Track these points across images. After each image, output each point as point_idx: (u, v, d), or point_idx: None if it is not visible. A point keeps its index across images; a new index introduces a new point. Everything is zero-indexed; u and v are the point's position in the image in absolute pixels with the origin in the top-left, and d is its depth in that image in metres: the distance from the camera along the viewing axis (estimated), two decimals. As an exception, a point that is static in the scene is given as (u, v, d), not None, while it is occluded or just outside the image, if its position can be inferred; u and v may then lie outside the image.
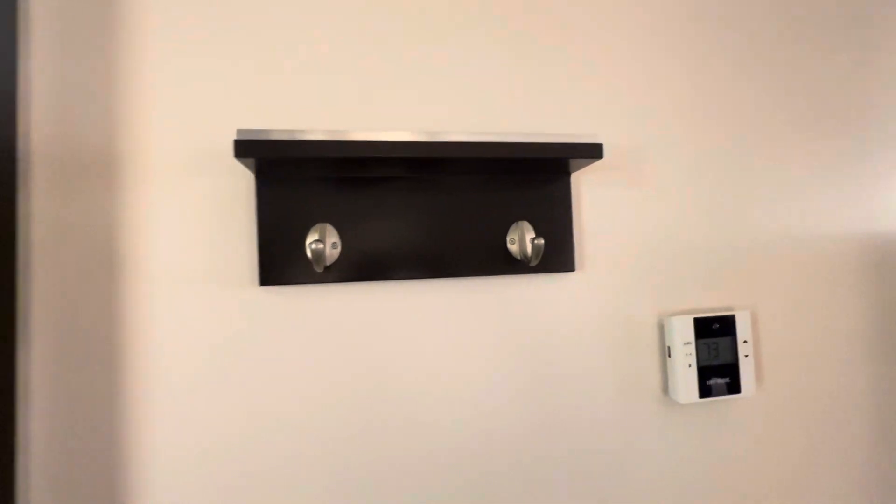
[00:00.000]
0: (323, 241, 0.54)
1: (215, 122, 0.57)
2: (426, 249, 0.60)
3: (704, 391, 0.65)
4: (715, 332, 0.66)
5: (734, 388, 0.66)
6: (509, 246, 0.62)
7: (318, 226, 0.56)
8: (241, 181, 0.57)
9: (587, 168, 0.67)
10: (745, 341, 0.67)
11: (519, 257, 0.62)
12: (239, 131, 0.48)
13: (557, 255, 0.64)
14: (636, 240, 0.68)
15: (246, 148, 0.48)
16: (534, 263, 0.59)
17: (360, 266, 0.58)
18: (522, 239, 0.61)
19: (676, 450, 0.67)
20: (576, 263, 0.65)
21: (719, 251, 0.70)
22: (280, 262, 0.56)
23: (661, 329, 0.67)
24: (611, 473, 0.65)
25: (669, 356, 0.66)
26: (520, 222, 0.62)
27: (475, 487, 0.61)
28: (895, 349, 0.77)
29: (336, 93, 0.60)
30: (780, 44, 0.74)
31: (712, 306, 0.69)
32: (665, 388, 0.67)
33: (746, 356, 0.67)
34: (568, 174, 0.64)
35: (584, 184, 0.67)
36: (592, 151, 0.56)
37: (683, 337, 0.65)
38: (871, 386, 0.75)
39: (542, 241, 0.57)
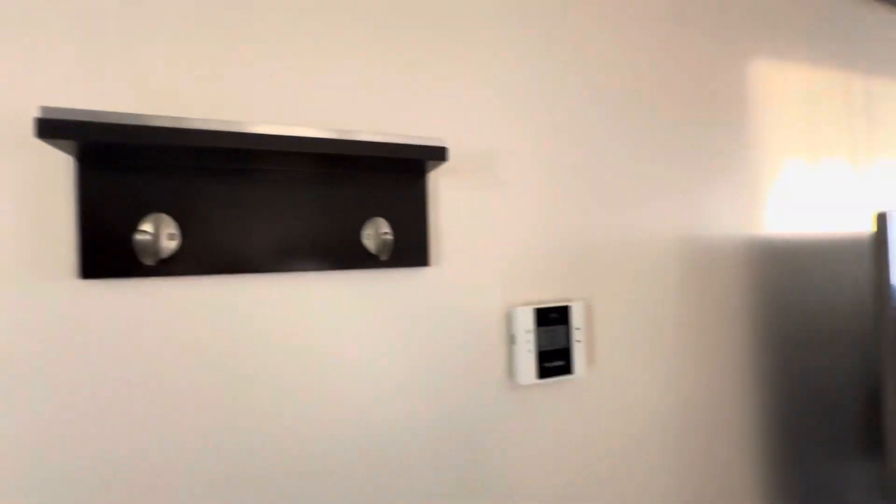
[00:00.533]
0: (154, 232, 0.52)
1: (25, 95, 0.51)
2: (279, 243, 0.60)
3: (542, 373, 0.73)
4: (553, 320, 0.75)
5: (568, 370, 0.75)
6: (365, 241, 0.64)
7: (153, 216, 0.53)
8: (62, 162, 0.52)
9: (446, 170, 0.71)
10: (578, 328, 0.76)
11: (374, 252, 0.64)
12: (43, 108, 0.44)
13: (413, 251, 0.67)
14: (489, 238, 0.74)
15: (51, 128, 0.44)
16: (384, 258, 0.62)
17: (203, 259, 0.56)
18: (377, 234, 0.63)
19: (520, 426, 0.75)
20: (432, 259, 0.69)
21: (562, 249, 0.79)
22: (107, 254, 0.52)
23: (508, 319, 0.74)
24: (465, 450, 0.71)
25: (514, 343, 0.73)
26: (375, 218, 0.64)
27: (331, 478, 0.62)
28: (708, 336, 0.93)
29: (171, 76, 0.57)
30: (631, 64, 0.85)
31: (554, 297, 0.78)
32: (510, 372, 0.74)
33: (579, 342, 0.76)
34: (424, 174, 0.68)
35: (443, 184, 0.71)
36: (437, 154, 0.60)
37: (525, 325, 0.72)
38: (688, 367, 0.90)
39: (390, 237, 0.60)
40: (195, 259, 0.56)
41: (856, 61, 1.17)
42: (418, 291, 0.69)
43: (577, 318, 0.76)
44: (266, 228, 0.59)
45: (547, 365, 0.74)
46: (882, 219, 0.74)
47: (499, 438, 0.73)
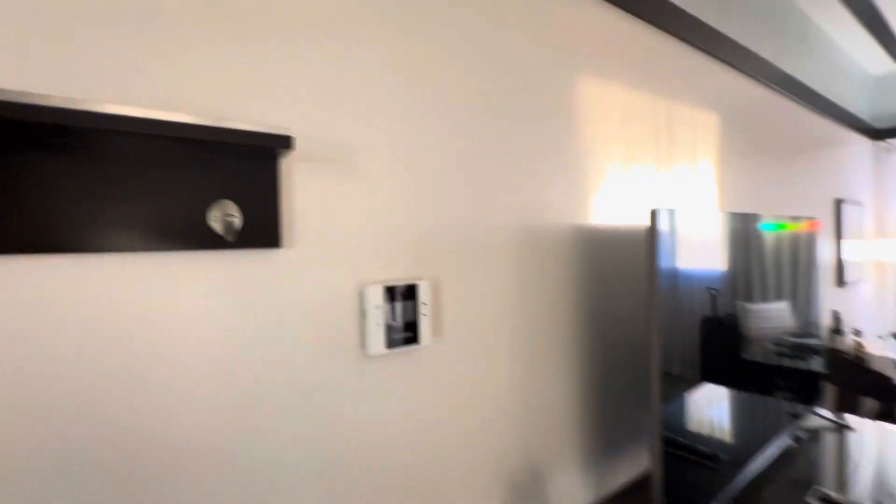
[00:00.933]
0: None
1: None
2: (112, 222, 0.59)
3: (391, 343, 0.82)
4: (402, 297, 0.84)
5: (415, 340, 0.86)
6: (211, 223, 0.66)
7: (-50, 189, 0.50)
8: None
9: (302, 157, 0.75)
10: (424, 303, 0.87)
11: (222, 233, 0.66)
12: None
13: (264, 233, 0.71)
14: (343, 222, 0.80)
15: None
16: (230, 239, 0.65)
17: (14, 237, 0.54)
18: (223, 217, 0.65)
19: (372, 391, 0.83)
20: (285, 241, 0.74)
21: (413, 234, 0.89)
22: None
23: (360, 296, 0.82)
24: (322, 418, 0.77)
25: (365, 317, 0.81)
26: (223, 200, 0.66)
27: (179, 460, 0.64)
28: (541, 308, 1.11)
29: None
30: (483, 73, 0.97)
31: (405, 276, 0.87)
32: (362, 344, 0.82)
33: (425, 315, 0.87)
34: (274, 160, 0.71)
35: (299, 171, 0.75)
36: (283, 142, 0.64)
37: (375, 301, 0.81)
38: (523, 335, 1.07)
39: (235, 219, 0.63)
40: (3, 237, 0.53)
41: (661, 89, 1.46)
42: (270, 271, 0.72)
43: (424, 295, 0.87)
44: (99, 207, 0.58)
45: (395, 336, 0.83)
46: (654, 215, 0.97)
47: (352, 403, 0.81)
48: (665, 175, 1.48)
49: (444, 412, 0.93)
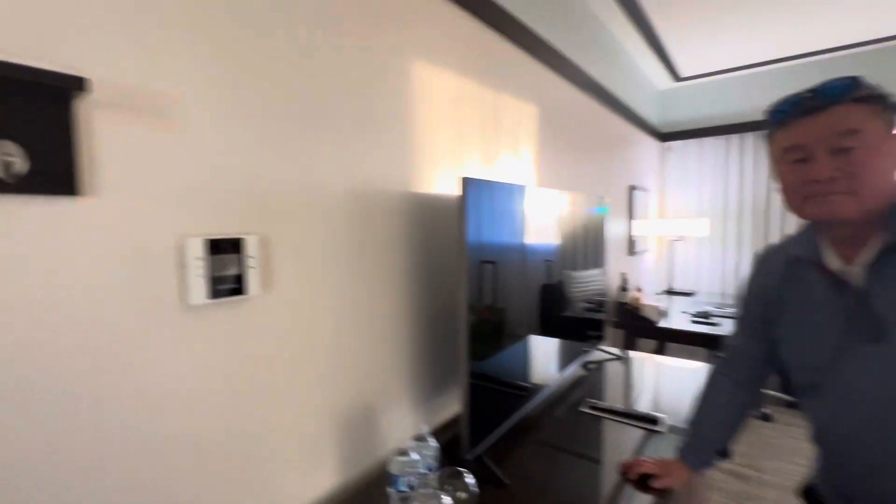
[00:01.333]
0: None
1: None
2: None
3: (215, 294, 0.86)
4: (227, 250, 0.88)
5: (240, 291, 0.90)
6: (-15, 163, 0.61)
7: None
8: None
9: (113, 104, 0.73)
10: (252, 257, 0.92)
11: (2, 176, 0.62)
12: None
13: (57, 179, 0.67)
14: (162, 174, 0.80)
15: None
16: (10, 182, 0.61)
17: None
18: (1, 157, 0.61)
19: (195, 339, 0.85)
20: (88, 189, 0.71)
21: (240, 190, 0.92)
22: None
23: (180, 249, 0.83)
24: (139, 367, 0.77)
25: (185, 269, 0.82)
26: (1, 140, 0.62)
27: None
28: (371, 266, 1.23)
29: None
30: (324, 46, 1.02)
31: (234, 232, 0.91)
32: (183, 295, 0.83)
33: (252, 268, 0.92)
34: (68, 102, 0.68)
35: (109, 118, 0.73)
36: (75, 83, 0.63)
37: (196, 254, 0.83)
38: (354, 290, 1.18)
39: (14, 160, 0.60)
40: None
41: (489, 80, 1.69)
42: (67, 219, 0.70)
43: (251, 249, 0.91)
44: None
45: (221, 287, 0.87)
46: (465, 182, 1.16)
47: (173, 351, 0.82)
48: (490, 154, 1.72)
49: (275, 359, 1.00)
